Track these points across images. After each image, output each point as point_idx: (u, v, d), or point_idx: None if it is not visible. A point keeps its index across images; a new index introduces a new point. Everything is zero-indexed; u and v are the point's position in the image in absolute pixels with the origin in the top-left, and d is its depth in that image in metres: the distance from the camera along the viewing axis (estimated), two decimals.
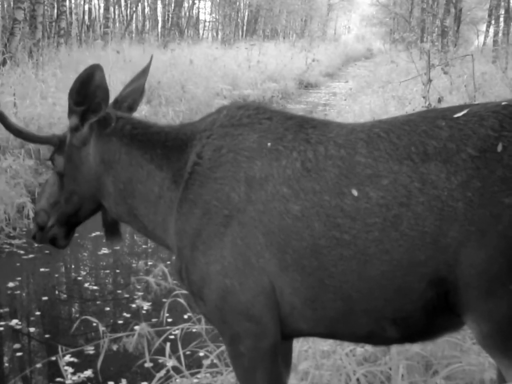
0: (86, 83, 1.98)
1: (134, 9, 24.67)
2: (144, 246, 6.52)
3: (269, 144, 1.85)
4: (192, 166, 1.94)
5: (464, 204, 1.59)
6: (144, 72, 2.35)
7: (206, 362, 3.06)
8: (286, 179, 1.78)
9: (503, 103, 1.72)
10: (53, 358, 3.34)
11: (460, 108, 1.77)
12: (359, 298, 1.71)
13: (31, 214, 6.55)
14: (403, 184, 1.66)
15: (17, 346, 4.24)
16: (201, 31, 32.74)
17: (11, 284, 5.17)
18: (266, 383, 1.86)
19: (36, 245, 5.97)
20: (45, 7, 14.00)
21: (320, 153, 1.78)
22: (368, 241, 1.66)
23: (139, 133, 2.09)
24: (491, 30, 20.55)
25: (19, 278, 5.36)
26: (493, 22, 19.99)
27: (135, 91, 2.30)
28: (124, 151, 2.07)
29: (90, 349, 3.90)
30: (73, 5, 21.90)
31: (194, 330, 3.19)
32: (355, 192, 1.69)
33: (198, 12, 32.31)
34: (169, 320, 3.73)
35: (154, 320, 3.44)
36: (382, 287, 1.68)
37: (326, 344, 2.85)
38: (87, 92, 2.00)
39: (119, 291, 5.26)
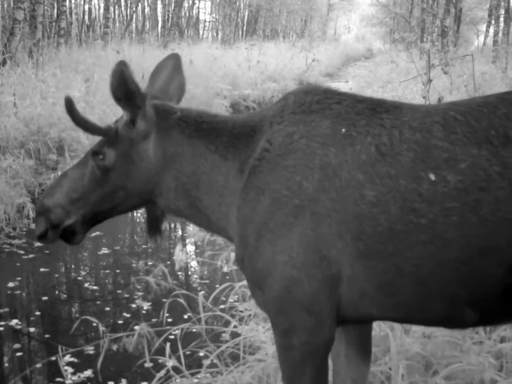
0: (123, 80, 1.92)
1: (134, 9, 24.67)
2: (144, 246, 6.52)
3: (343, 130, 1.82)
4: (261, 153, 1.89)
5: None
6: (176, 69, 2.24)
7: (206, 362, 3.07)
8: (360, 165, 1.74)
9: None
10: (53, 358, 3.34)
11: None
12: (436, 283, 1.69)
13: (31, 214, 6.54)
14: (482, 168, 1.63)
15: (17, 346, 4.23)
16: (201, 31, 32.74)
17: (11, 284, 5.17)
18: (314, 379, 1.84)
19: (36, 244, 5.97)
20: (45, 7, 13.98)
21: (395, 137, 1.75)
22: (446, 226, 1.64)
23: (205, 122, 2.05)
24: (491, 30, 20.56)
25: (19, 278, 5.35)
26: (493, 22, 20.00)
27: (178, 88, 2.24)
28: (187, 143, 2.02)
29: (90, 349, 3.90)
30: (73, 5, 21.88)
31: (194, 330, 3.19)
32: (432, 176, 1.67)
33: (198, 12, 32.33)
34: (169, 320, 3.73)
35: (154, 320, 3.44)
36: (459, 272, 1.66)
37: None
38: (126, 88, 1.94)
39: (119, 291, 5.26)
